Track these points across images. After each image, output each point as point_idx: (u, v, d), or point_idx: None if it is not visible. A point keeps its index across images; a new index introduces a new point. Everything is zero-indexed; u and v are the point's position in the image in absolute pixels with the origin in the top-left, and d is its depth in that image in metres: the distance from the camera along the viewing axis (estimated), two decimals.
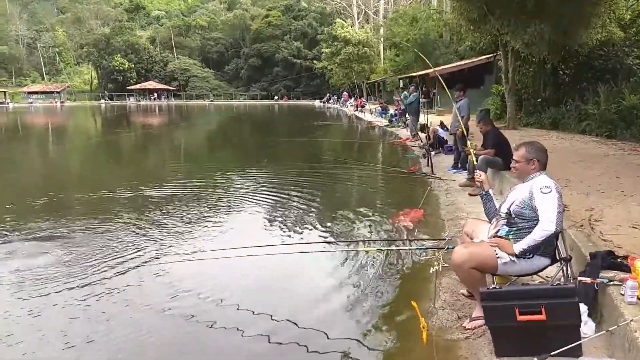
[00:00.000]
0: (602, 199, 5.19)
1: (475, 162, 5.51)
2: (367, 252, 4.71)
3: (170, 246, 5.03)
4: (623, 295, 2.73)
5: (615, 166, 7.48)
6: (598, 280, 2.92)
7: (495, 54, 19.14)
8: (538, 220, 2.94)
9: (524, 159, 3.17)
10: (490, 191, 3.48)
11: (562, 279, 3.08)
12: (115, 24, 79.87)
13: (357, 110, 35.58)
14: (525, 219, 3.04)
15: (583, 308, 2.72)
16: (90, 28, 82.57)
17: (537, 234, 2.91)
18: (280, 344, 3.13)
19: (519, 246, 2.96)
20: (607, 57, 13.81)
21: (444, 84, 6.18)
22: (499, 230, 3.16)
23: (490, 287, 2.73)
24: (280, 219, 6.20)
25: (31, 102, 69.89)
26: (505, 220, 3.15)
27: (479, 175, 3.51)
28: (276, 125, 30.17)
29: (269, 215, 6.41)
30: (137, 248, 4.94)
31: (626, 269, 2.97)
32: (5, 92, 71.32)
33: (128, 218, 6.19)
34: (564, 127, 13.30)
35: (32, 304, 3.70)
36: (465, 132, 7.22)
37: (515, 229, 3.07)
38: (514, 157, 3.27)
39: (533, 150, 3.17)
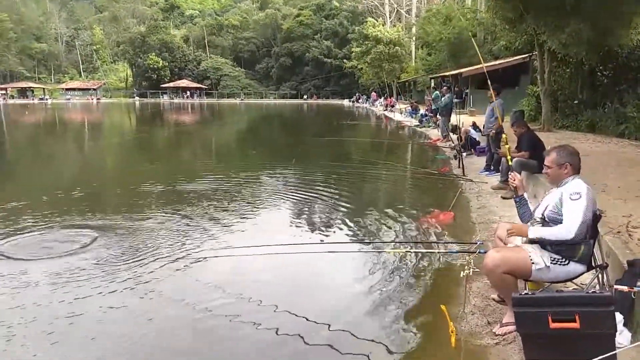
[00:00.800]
0: None
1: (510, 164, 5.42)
2: (396, 253, 4.70)
3: (203, 241, 5.12)
4: None
5: None
6: (635, 289, 2.84)
7: (530, 54, 18.71)
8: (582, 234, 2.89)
9: (556, 164, 3.11)
10: (525, 195, 3.41)
11: (598, 287, 3.01)
12: (150, 23, 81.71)
13: (386, 109, 35.39)
14: (558, 224, 2.98)
15: (619, 317, 2.65)
16: (127, 27, 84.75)
17: (553, 235, 2.89)
18: (307, 343, 3.15)
19: (534, 232, 2.96)
20: None
21: (488, 81, 6.07)
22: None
23: (523, 293, 2.69)
24: (308, 218, 6.24)
25: (68, 99, 72.23)
26: (540, 225, 3.09)
27: (514, 178, 3.44)
28: (305, 125, 30.29)
29: (298, 215, 6.46)
30: (166, 244, 5.06)
31: None
32: (44, 89, 73.95)
33: (158, 214, 6.33)
34: (601, 130, 12.92)
35: (70, 300, 3.83)
36: (499, 133, 7.09)
37: None
38: (545, 162, 3.20)
39: (565, 155, 3.10)
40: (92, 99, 70.49)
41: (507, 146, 4.59)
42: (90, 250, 4.81)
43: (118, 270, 4.31)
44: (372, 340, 3.18)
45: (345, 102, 60.08)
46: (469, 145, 11.30)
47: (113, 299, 3.75)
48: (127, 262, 4.49)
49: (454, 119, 14.27)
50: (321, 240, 5.24)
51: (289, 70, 76.63)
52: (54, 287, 3.95)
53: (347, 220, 6.13)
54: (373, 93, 47.39)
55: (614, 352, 2.45)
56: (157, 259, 4.58)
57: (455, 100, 17.22)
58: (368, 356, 3.00)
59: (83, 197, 7.55)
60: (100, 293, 3.84)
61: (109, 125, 29.49)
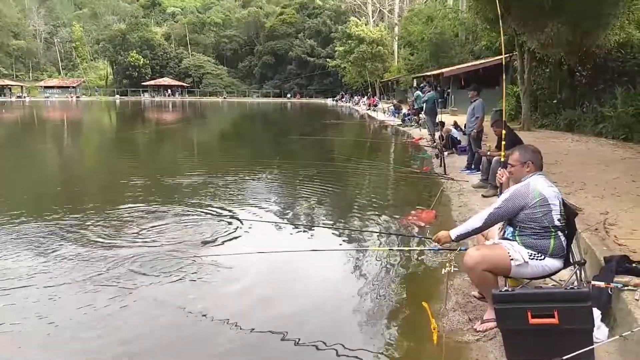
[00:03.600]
0: (618, 203, 5.14)
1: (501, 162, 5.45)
2: (378, 252, 4.72)
3: (185, 244, 5.07)
4: (637, 300, 2.71)
5: (631, 170, 7.39)
6: (612, 284, 2.90)
7: (511, 54, 18.97)
8: (536, 220, 2.95)
9: (519, 162, 3.20)
10: (453, 232, 3.41)
11: (576, 283, 3.06)
12: (131, 20, 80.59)
13: (369, 109, 35.51)
14: (522, 222, 3.04)
15: (596, 313, 2.70)
16: (107, 24, 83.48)
17: (468, 227, 3.11)
18: (290, 340, 3.14)
19: (456, 232, 3.14)
20: (624, 59, 13.60)
21: (463, 82, 6.09)
22: (504, 231, 3.17)
23: (503, 290, 2.72)
24: (291, 217, 6.23)
25: (47, 97, 70.88)
26: (509, 222, 3.15)
27: (502, 175, 3.47)
28: (289, 123, 30.24)
29: (280, 214, 6.43)
30: (133, 244, 5.00)
31: None
32: (22, 86, 72.41)
33: (123, 219, 6.25)
34: (580, 129, 13.16)
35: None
36: (480, 132, 7.17)
37: (517, 228, 3.06)
38: (509, 162, 3.29)
39: (527, 153, 3.20)
40: (71, 97, 69.26)
41: (486, 147, 4.63)
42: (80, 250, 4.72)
43: (99, 273, 4.24)
44: (355, 338, 3.19)
45: (329, 101, 60.14)
46: (450, 144, 11.40)
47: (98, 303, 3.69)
48: (108, 268, 4.43)
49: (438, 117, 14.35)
50: (304, 239, 5.23)
51: (272, 69, 76.37)
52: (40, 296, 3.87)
53: (330, 219, 6.13)
54: (356, 97, 47.63)
55: (591, 347, 2.49)
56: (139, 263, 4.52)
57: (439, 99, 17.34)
58: (351, 354, 3.00)
59: (57, 197, 7.41)
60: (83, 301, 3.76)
61: (86, 125, 28.99)
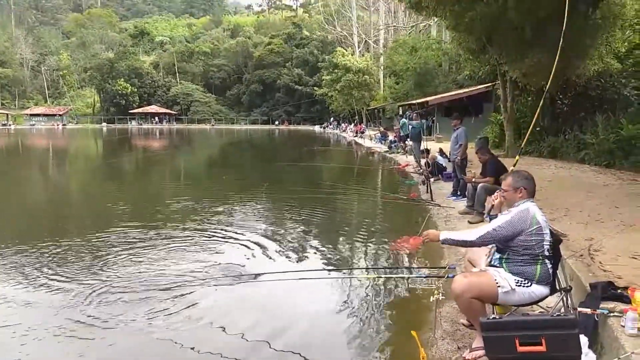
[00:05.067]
0: (602, 229, 5.20)
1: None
2: (366, 279, 4.69)
3: (171, 273, 4.99)
4: (623, 326, 2.72)
5: (614, 196, 7.50)
6: (598, 311, 2.91)
7: (494, 83, 19.40)
8: (529, 247, 2.96)
9: (512, 188, 3.20)
10: (443, 235, 3.41)
11: (563, 310, 3.06)
12: (119, 49, 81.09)
13: (356, 136, 35.83)
14: (512, 248, 3.05)
15: (583, 339, 2.69)
16: (95, 52, 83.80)
17: (461, 237, 3.15)
18: None
19: (446, 235, 3.19)
20: (604, 88, 14.00)
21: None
22: (492, 258, 3.18)
23: (491, 317, 2.71)
24: (278, 245, 6.18)
25: (33, 124, 70.44)
26: (496, 247, 3.16)
27: (496, 196, 3.45)
28: (277, 150, 30.31)
29: (268, 241, 6.38)
30: (125, 273, 4.92)
31: (626, 300, 2.97)
32: (7, 114, 71.94)
33: (114, 246, 6.16)
34: (563, 156, 13.39)
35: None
36: (464, 160, 7.25)
37: (505, 254, 3.07)
38: (502, 186, 3.30)
39: (520, 179, 3.20)
40: (57, 125, 68.90)
41: (471, 174, 4.68)
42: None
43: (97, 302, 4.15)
44: None
45: (317, 128, 60.60)
46: (436, 171, 11.51)
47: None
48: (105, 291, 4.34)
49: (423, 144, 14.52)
50: (291, 268, 5.18)
51: (260, 97, 77.01)
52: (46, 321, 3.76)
53: (318, 246, 6.10)
54: (343, 124, 48.13)
55: None
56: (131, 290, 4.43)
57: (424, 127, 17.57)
58: None
59: (39, 229, 7.29)
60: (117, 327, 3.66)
61: (70, 152, 28.71)
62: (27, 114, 75.43)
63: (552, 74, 4.80)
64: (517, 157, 4.78)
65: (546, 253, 2.98)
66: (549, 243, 3.00)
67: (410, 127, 17.13)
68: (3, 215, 8.55)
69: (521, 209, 3.07)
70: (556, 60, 4.44)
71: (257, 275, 4.76)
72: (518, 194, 3.18)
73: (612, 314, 2.85)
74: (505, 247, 3.07)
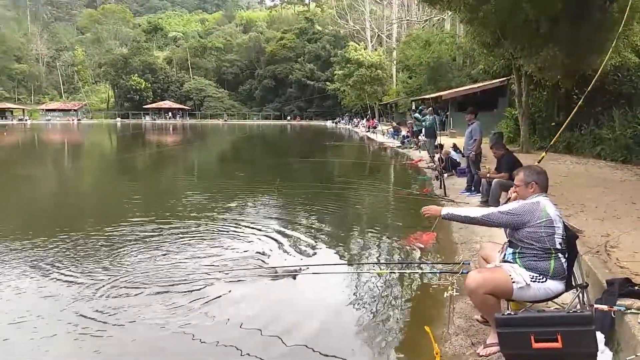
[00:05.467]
0: (618, 225, 5.14)
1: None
2: (379, 274, 4.69)
3: (184, 265, 5.05)
4: None
5: (631, 192, 7.40)
6: (615, 308, 2.88)
7: (508, 78, 19.19)
8: (539, 240, 2.95)
9: (523, 183, 3.21)
10: (445, 210, 3.41)
11: (579, 306, 3.04)
12: (133, 45, 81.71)
13: (369, 131, 35.72)
14: (523, 240, 3.04)
15: (600, 336, 2.67)
16: (109, 48, 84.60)
17: (464, 212, 3.17)
18: None
19: (448, 210, 3.24)
20: (621, 82, 13.77)
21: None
22: (505, 253, 3.16)
23: (505, 313, 2.70)
24: (290, 240, 6.20)
25: (48, 119, 71.40)
26: (509, 242, 3.15)
27: (514, 190, 3.39)
28: (289, 146, 30.37)
29: (282, 236, 6.41)
30: (147, 267, 4.98)
31: None
32: (24, 109, 73.03)
33: (126, 242, 6.24)
34: (578, 151, 13.23)
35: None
36: (479, 155, 7.19)
37: (518, 249, 3.06)
38: (514, 182, 3.31)
39: (531, 174, 3.21)
40: (72, 120, 69.76)
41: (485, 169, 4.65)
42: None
43: (97, 296, 4.22)
44: None
45: (329, 123, 60.55)
46: (450, 166, 11.43)
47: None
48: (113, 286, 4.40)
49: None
50: (305, 262, 5.20)
51: (272, 92, 77.12)
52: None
53: (331, 242, 6.11)
54: (356, 119, 47.98)
55: None
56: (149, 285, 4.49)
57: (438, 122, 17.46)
58: None
59: (58, 227, 7.40)
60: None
61: (87, 147, 29.08)
62: (42, 109, 76.49)
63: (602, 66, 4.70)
64: (543, 153, 4.74)
65: (558, 247, 2.95)
66: (561, 237, 2.98)
67: (416, 120, 17.11)
68: (23, 209, 8.70)
69: (531, 202, 3.08)
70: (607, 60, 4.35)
71: (270, 270, 4.79)
72: (530, 189, 3.17)
73: (629, 311, 2.82)
74: (516, 241, 3.05)
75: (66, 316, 3.81)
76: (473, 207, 3.15)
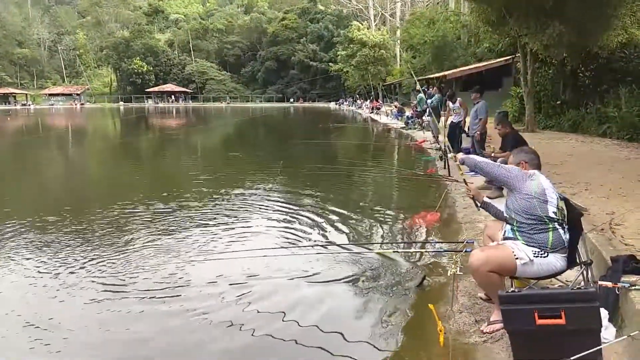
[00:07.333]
0: (623, 203, 5.12)
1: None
2: (382, 254, 4.71)
3: (196, 246, 5.09)
4: None
5: (636, 170, 7.36)
6: (619, 284, 2.88)
7: (513, 56, 18.97)
8: (530, 209, 2.98)
9: (514, 164, 3.31)
10: (485, 199, 3.52)
11: (583, 283, 3.05)
12: (134, 27, 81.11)
13: (372, 112, 35.52)
14: (518, 213, 3.06)
15: (604, 313, 2.68)
16: (110, 31, 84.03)
17: (484, 160, 3.41)
18: (296, 342, 3.15)
19: (463, 155, 3.56)
20: (628, 60, 13.59)
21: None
22: (505, 231, 3.18)
23: (509, 291, 2.71)
24: (296, 221, 6.22)
25: (52, 104, 71.42)
26: (506, 221, 3.19)
27: (468, 191, 3.56)
28: (292, 128, 30.28)
29: (286, 217, 6.43)
30: (156, 248, 5.03)
31: None
32: (27, 94, 72.99)
33: (142, 224, 6.28)
34: (584, 130, 13.13)
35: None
36: (483, 134, 7.15)
37: (515, 224, 3.07)
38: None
39: (521, 154, 3.34)
40: (76, 104, 69.71)
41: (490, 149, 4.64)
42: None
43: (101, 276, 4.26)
44: (361, 341, 3.18)
45: (332, 105, 60.24)
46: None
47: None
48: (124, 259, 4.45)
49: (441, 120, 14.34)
50: (309, 243, 5.23)
51: (275, 74, 76.62)
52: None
53: (335, 221, 6.12)
54: (359, 101, 47.67)
55: (599, 347, 2.47)
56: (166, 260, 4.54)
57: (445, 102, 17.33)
58: (357, 356, 3.00)
59: (64, 213, 7.44)
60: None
61: (92, 132, 29.11)
62: (45, 94, 76.40)
63: None
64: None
65: (552, 215, 2.96)
66: (555, 207, 2.98)
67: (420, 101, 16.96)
68: (36, 192, 8.76)
69: (526, 171, 3.15)
70: None
71: (272, 249, 4.82)
72: (521, 168, 3.22)
73: (633, 288, 2.82)
74: (511, 213, 3.08)
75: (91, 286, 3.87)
76: (485, 159, 3.30)
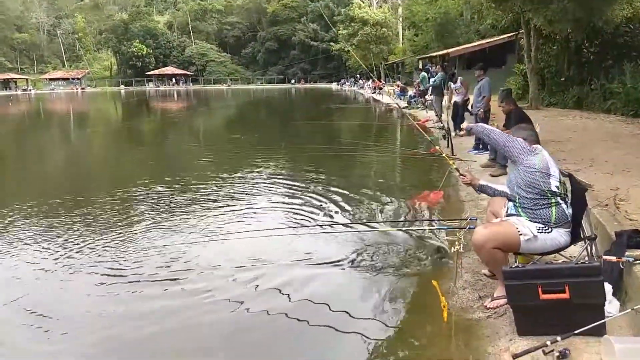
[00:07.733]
0: (628, 179, 5.10)
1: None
2: (386, 233, 4.72)
3: (198, 227, 5.12)
4: None
5: None
6: (623, 259, 2.88)
7: (517, 33, 18.72)
8: (532, 182, 2.97)
9: None
10: (481, 182, 3.44)
11: (587, 258, 3.05)
12: (133, 10, 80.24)
13: (375, 92, 35.25)
14: (521, 187, 3.05)
15: (608, 287, 2.69)
16: (109, 14, 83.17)
17: (487, 126, 3.49)
18: (300, 320, 3.19)
19: (471, 125, 3.66)
20: (633, 34, 13.38)
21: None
22: (507, 208, 3.18)
23: (513, 266, 2.72)
24: (300, 200, 6.23)
25: (53, 89, 71.12)
26: (509, 198, 3.19)
27: (464, 178, 3.49)
28: (294, 109, 30.13)
29: (290, 197, 6.45)
30: (161, 230, 5.05)
31: None
32: (27, 79, 72.67)
33: (149, 205, 6.31)
34: (589, 106, 13.01)
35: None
36: (487, 112, 7.10)
37: (517, 200, 3.07)
38: None
39: (520, 132, 3.29)
40: (77, 89, 69.43)
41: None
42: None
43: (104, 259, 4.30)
44: (366, 318, 3.21)
45: (334, 86, 59.77)
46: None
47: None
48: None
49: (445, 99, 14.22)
50: (312, 220, 5.25)
51: (276, 55, 75.93)
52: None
53: (339, 201, 6.13)
54: (361, 81, 47.26)
55: (603, 321, 2.49)
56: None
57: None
58: (361, 331, 3.03)
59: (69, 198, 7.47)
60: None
61: (94, 116, 29.03)
62: (46, 79, 76.04)
63: None
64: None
65: (554, 189, 2.95)
66: (557, 181, 2.98)
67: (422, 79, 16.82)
68: (39, 176, 8.79)
69: (530, 145, 3.14)
70: None
71: (277, 229, 4.83)
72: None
73: (637, 262, 2.82)
74: (513, 189, 3.09)
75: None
76: (493, 127, 3.32)
